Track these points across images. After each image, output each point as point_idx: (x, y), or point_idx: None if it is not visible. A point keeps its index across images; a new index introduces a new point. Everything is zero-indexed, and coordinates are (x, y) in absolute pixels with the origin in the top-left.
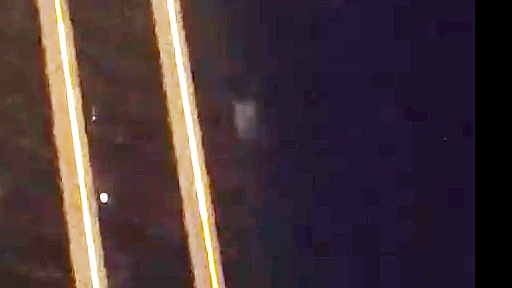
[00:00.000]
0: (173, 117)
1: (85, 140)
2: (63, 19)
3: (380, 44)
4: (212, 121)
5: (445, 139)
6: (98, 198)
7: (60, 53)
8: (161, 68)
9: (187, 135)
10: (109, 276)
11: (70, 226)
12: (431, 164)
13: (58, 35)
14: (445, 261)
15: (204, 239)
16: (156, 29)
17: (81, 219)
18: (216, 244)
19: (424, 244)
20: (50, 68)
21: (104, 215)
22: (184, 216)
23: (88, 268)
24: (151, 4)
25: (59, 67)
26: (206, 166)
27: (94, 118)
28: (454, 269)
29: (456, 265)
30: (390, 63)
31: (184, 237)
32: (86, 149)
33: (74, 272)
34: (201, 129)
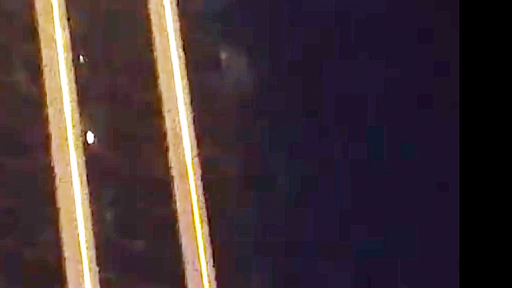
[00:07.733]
0: (160, 60)
1: (73, 82)
2: None
3: None
4: (199, 63)
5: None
6: (85, 138)
7: None
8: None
9: (173, 78)
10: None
11: (56, 163)
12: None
13: None
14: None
15: (188, 178)
16: None
17: (68, 159)
18: (200, 183)
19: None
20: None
21: (90, 154)
22: (168, 153)
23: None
24: None
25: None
26: (191, 105)
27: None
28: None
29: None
30: None
31: (168, 174)
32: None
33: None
34: (187, 73)
